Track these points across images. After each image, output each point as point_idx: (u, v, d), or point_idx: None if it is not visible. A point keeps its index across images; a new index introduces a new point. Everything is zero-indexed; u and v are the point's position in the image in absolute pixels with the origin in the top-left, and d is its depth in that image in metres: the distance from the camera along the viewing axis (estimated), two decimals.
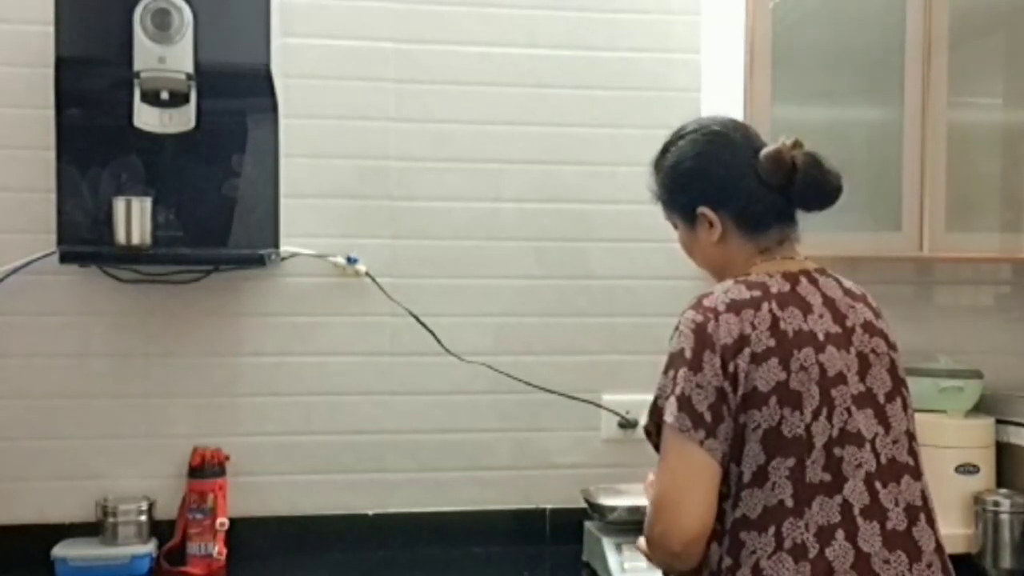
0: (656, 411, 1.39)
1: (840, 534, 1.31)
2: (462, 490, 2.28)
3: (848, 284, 1.49)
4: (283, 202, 2.11)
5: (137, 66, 1.94)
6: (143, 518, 2.08)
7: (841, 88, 2.22)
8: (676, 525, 1.33)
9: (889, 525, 1.33)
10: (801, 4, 2.18)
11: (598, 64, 2.32)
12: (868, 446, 1.36)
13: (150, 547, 2.07)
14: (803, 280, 1.44)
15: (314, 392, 2.23)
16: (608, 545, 2.04)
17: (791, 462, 1.33)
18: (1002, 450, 2.29)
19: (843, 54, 2.19)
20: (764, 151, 1.46)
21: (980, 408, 2.32)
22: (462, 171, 2.28)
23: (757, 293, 1.39)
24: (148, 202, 1.99)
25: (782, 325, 1.36)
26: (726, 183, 1.48)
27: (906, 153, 2.16)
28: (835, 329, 1.40)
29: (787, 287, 1.41)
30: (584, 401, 2.31)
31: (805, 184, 1.43)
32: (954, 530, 2.18)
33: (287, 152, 2.13)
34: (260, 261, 2.06)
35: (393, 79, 2.25)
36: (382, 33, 2.25)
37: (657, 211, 2.32)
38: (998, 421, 2.29)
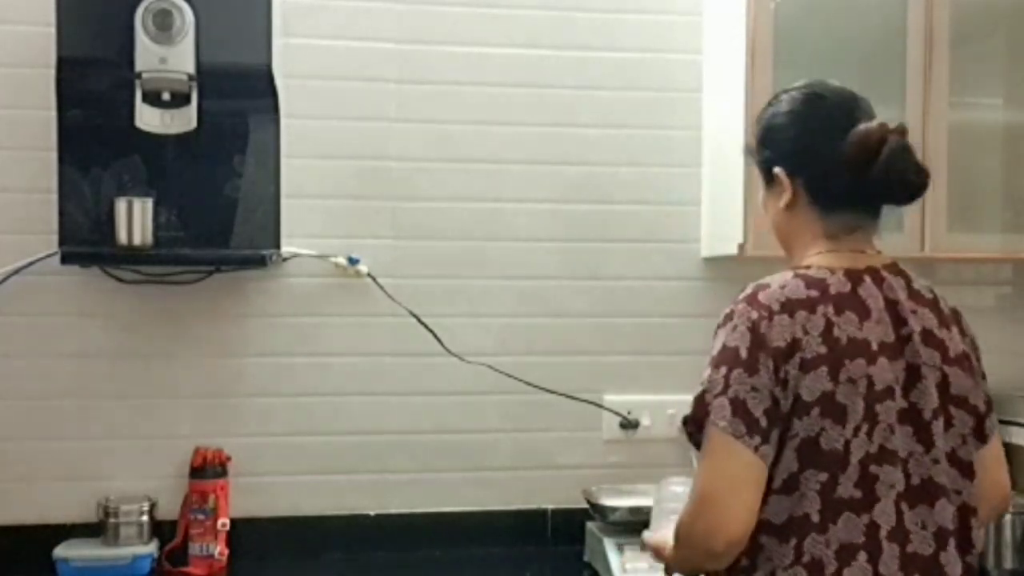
0: (702, 405, 1.31)
1: (862, 556, 1.28)
2: (463, 491, 2.28)
3: (919, 285, 1.41)
4: (284, 202, 2.11)
5: (138, 67, 1.95)
6: (145, 519, 2.08)
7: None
8: (722, 525, 1.27)
9: (910, 548, 1.30)
10: (802, 4, 2.17)
11: (599, 64, 2.32)
12: (900, 465, 1.31)
13: (151, 548, 2.07)
14: (867, 279, 1.36)
15: (315, 392, 2.23)
16: (609, 545, 2.04)
17: (824, 476, 1.28)
18: (1004, 450, 2.28)
19: (844, 54, 2.19)
20: (855, 128, 1.36)
21: None
22: (463, 171, 2.28)
23: (815, 293, 1.32)
24: (149, 203, 1.99)
25: (835, 332, 1.30)
26: (808, 149, 1.41)
27: None
28: (890, 338, 1.33)
29: (847, 287, 1.34)
30: (585, 402, 2.31)
31: (885, 170, 1.34)
32: None
33: (288, 152, 2.13)
34: (261, 262, 2.06)
35: (394, 79, 2.26)
36: (383, 34, 2.25)
37: (658, 211, 2.35)
38: (999, 421, 2.28)
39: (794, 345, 1.29)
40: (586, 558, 2.17)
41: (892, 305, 1.35)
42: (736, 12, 2.13)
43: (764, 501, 1.30)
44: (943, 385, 1.35)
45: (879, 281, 1.37)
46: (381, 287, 2.23)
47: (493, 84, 2.29)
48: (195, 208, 2.04)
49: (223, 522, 2.09)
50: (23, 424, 2.13)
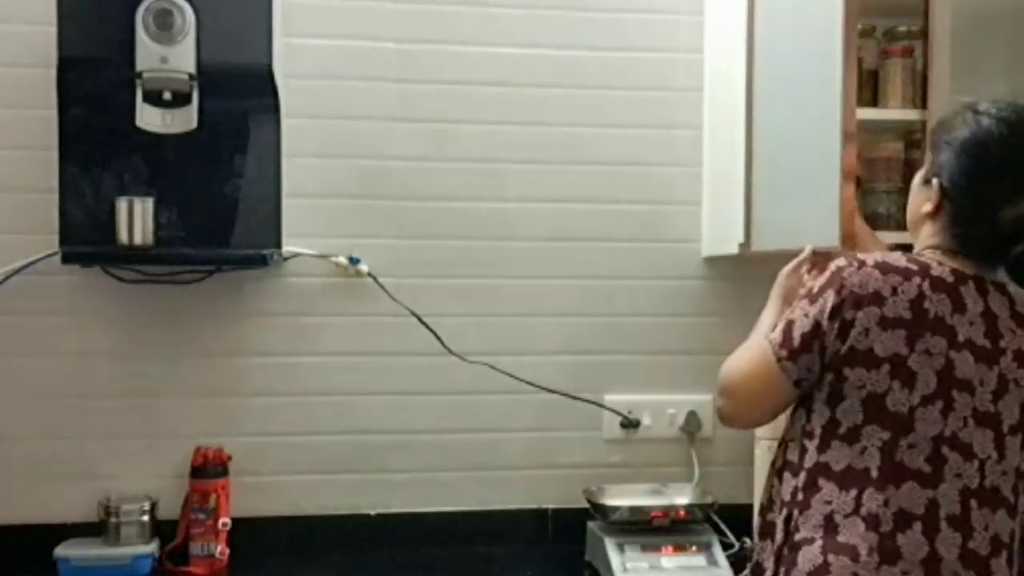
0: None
1: (918, 526, 1.33)
2: (464, 490, 2.28)
3: (1022, 308, 1.43)
4: (285, 202, 2.11)
5: (139, 66, 1.95)
6: (145, 518, 2.08)
7: None
8: (735, 413, 1.54)
9: (971, 544, 1.33)
10: (803, 2, 2.17)
11: (600, 64, 2.32)
12: (976, 463, 1.36)
13: (152, 547, 2.07)
14: (971, 284, 1.41)
15: (316, 392, 2.23)
16: (610, 545, 2.04)
17: (887, 435, 1.35)
18: None
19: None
20: (1019, 208, 1.39)
21: None
22: (464, 171, 2.28)
23: (914, 267, 1.39)
24: (150, 202, 1.99)
25: (925, 304, 1.36)
26: (975, 189, 1.42)
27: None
28: (982, 342, 1.38)
29: (951, 279, 1.40)
30: (586, 401, 2.31)
31: (1018, 261, 1.40)
32: None
33: (289, 152, 2.13)
34: (262, 261, 2.06)
35: (395, 79, 2.25)
36: (384, 33, 2.25)
37: (658, 210, 2.35)
38: None
39: (875, 298, 1.36)
40: (587, 557, 2.17)
41: (991, 317, 1.40)
42: (737, 11, 2.13)
43: (826, 445, 1.40)
44: None
45: (983, 291, 1.41)
46: (382, 287, 2.23)
47: (493, 84, 2.29)
48: (196, 208, 2.04)
49: (224, 522, 2.09)
50: (24, 424, 2.13)
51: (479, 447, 2.29)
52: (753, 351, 1.49)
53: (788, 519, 1.42)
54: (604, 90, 2.32)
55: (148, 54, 1.94)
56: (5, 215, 2.12)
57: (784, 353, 1.43)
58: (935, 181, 1.46)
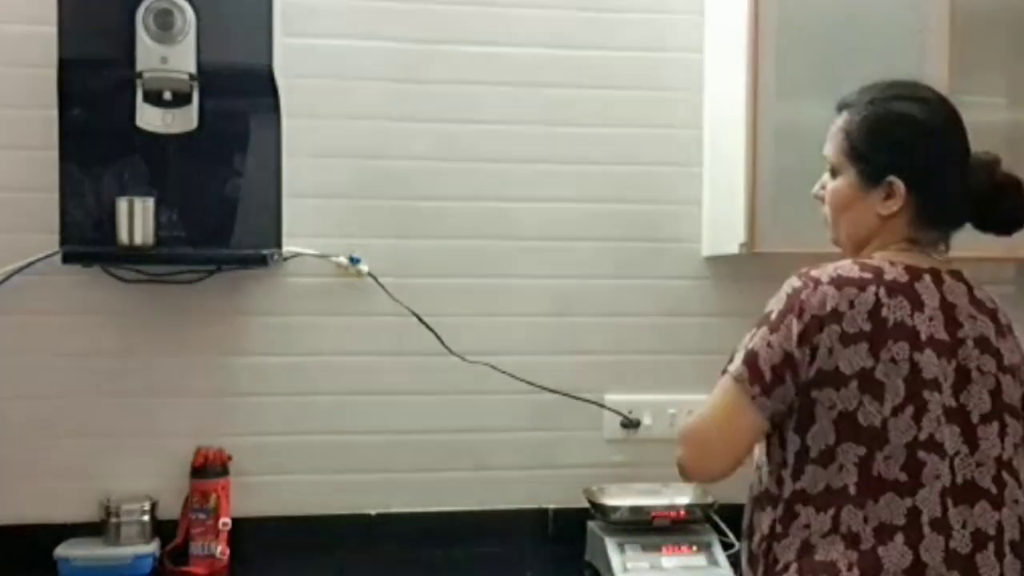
0: (731, 360, 1.40)
1: (900, 537, 1.29)
2: (465, 490, 2.28)
3: (981, 294, 1.42)
4: (285, 202, 2.11)
5: (140, 66, 1.95)
6: (146, 518, 2.08)
7: (844, 86, 2.21)
8: (699, 461, 1.42)
9: (952, 544, 1.31)
10: (804, 3, 2.17)
11: (600, 63, 2.32)
12: (948, 461, 1.32)
13: (153, 547, 2.07)
14: (926, 278, 1.38)
15: (317, 392, 2.23)
16: (610, 545, 2.04)
17: (862, 451, 1.31)
18: None
19: (846, 53, 2.18)
20: (978, 157, 1.42)
21: None
22: (464, 171, 2.28)
23: (868, 275, 1.35)
24: (151, 202, 1.99)
25: (883, 312, 1.33)
26: (941, 169, 1.41)
27: None
28: (942, 336, 1.35)
29: (905, 278, 1.37)
30: (587, 401, 2.31)
31: (1008, 206, 1.41)
32: None
33: (289, 152, 2.13)
34: (263, 261, 2.06)
35: (395, 79, 2.25)
36: (384, 33, 2.25)
37: (659, 211, 2.35)
38: None
39: (834, 316, 1.32)
40: (587, 557, 2.17)
41: (949, 308, 1.37)
42: (737, 10, 2.13)
43: (800, 471, 1.35)
44: (997, 392, 1.37)
45: (939, 282, 1.39)
46: (382, 286, 2.23)
47: (494, 83, 2.29)
48: (196, 208, 2.04)
49: (224, 522, 2.09)
50: (24, 423, 2.13)
51: (479, 447, 2.29)
52: (716, 393, 1.40)
53: (768, 551, 1.39)
54: (604, 90, 2.32)
55: (148, 54, 1.94)
56: (5, 215, 2.12)
57: (757, 390, 1.34)
58: (891, 181, 1.41)
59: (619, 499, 2.14)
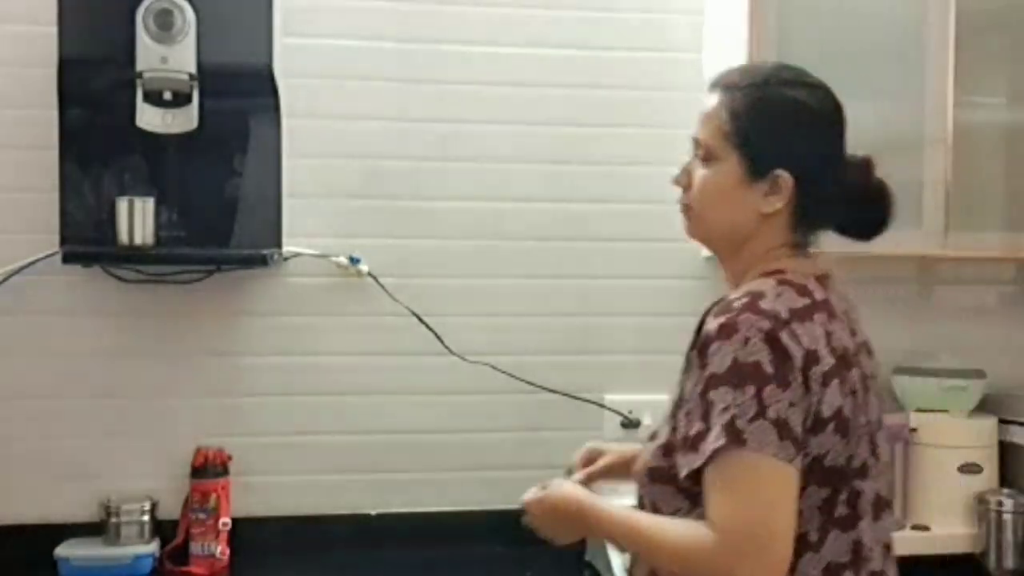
0: (734, 433, 1.14)
1: (848, 574, 1.21)
2: (465, 490, 2.28)
3: (843, 291, 1.33)
4: (285, 202, 2.12)
5: (140, 66, 1.95)
6: (146, 518, 2.08)
7: (845, 86, 2.21)
8: (771, 565, 1.12)
9: (872, 567, 1.24)
10: (804, 3, 2.17)
11: (600, 63, 2.32)
12: (869, 481, 1.24)
13: (153, 547, 2.07)
14: (828, 286, 1.29)
15: (317, 392, 2.23)
16: (611, 545, 2.03)
17: (825, 492, 1.19)
18: (1005, 450, 2.29)
19: (846, 53, 2.18)
20: (855, 157, 1.31)
21: (983, 408, 2.31)
22: (464, 171, 2.28)
23: (807, 301, 1.21)
24: (151, 202, 1.99)
25: (834, 342, 1.20)
26: (828, 166, 1.28)
27: (909, 152, 2.15)
28: (852, 347, 1.24)
29: (822, 294, 1.25)
30: (586, 401, 2.31)
31: (878, 209, 1.31)
32: (957, 530, 2.18)
33: (290, 152, 2.13)
34: (263, 261, 2.06)
35: (395, 79, 2.25)
36: (384, 33, 2.25)
37: (659, 210, 2.34)
38: (1001, 421, 2.29)
39: (810, 356, 1.16)
40: (587, 557, 2.17)
41: (844, 313, 1.28)
42: (738, 11, 2.13)
43: None
44: (879, 394, 1.30)
45: (831, 288, 1.29)
46: (382, 286, 2.22)
47: (494, 83, 2.29)
48: (196, 207, 2.04)
49: (224, 522, 2.09)
50: (24, 424, 2.13)
51: (479, 447, 2.29)
52: (763, 483, 1.14)
53: None
54: (604, 90, 2.32)
55: (148, 54, 1.94)
56: (5, 215, 2.12)
57: (799, 462, 1.15)
58: (778, 175, 1.26)
59: (618, 499, 2.13)
